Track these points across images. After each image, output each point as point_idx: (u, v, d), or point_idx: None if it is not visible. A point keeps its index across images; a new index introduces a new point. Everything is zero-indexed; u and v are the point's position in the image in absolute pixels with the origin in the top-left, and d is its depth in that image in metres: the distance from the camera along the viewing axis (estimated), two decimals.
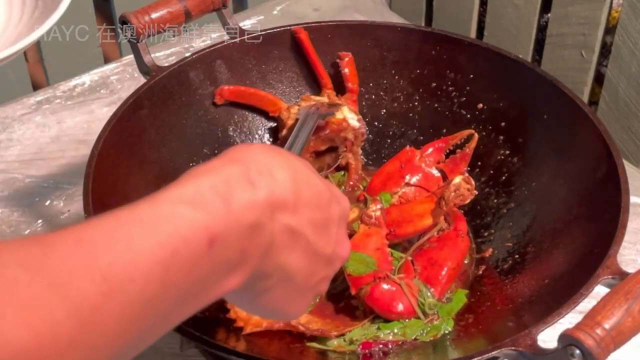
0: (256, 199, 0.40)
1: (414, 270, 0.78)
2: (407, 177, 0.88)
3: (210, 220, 0.37)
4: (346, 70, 0.93)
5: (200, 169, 0.40)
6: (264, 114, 0.94)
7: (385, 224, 0.81)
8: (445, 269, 0.78)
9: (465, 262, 0.82)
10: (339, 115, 0.88)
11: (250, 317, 0.75)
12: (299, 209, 0.43)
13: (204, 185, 0.39)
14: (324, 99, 0.91)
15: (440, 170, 0.89)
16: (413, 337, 0.74)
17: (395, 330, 0.75)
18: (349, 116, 0.89)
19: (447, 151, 0.90)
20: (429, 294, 0.75)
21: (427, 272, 0.78)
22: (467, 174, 0.85)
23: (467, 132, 0.89)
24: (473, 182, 0.81)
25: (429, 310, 0.75)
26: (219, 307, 0.76)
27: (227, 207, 0.38)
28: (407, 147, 0.90)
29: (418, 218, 0.82)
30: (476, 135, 0.88)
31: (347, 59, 0.93)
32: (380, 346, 0.74)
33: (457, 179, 0.80)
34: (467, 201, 0.81)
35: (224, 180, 0.39)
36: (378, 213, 0.80)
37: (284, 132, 0.89)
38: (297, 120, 0.84)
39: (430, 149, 0.89)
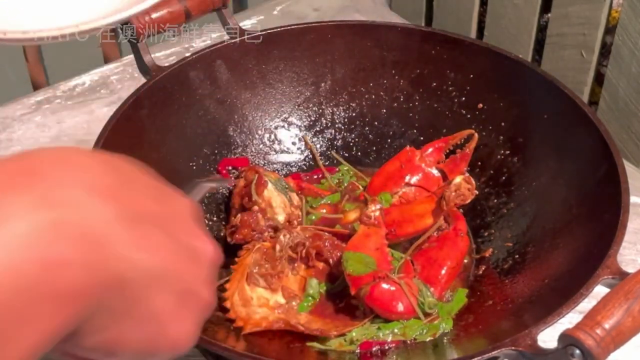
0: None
1: (414, 270, 0.78)
2: (407, 177, 0.88)
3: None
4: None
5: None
6: (265, 114, 0.94)
7: (385, 224, 0.81)
8: (445, 268, 0.78)
9: (465, 261, 0.82)
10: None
11: (250, 316, 0.75)
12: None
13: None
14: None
15: (440, 170, 0.89)
16: (412, 337, 0.74)
17: (395, 330, 0.75)
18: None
19: (447, 151, 0.90)
20: (428, 293, 0.75)
21: (426, 271, 0.78)
22: (467, 174, 0.85)
23: (467, 132, 0.89)
24: (474, 182, 0.81)
25: (429, 310, 0.75)
26: (219, 307, 0.76)
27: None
28: (407, 147, 0.90)
29: (418, 218, 0.82)
30: (476, 135, 0.88)
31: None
32: (380, 346, 0.74)
33: (458, 179, 0.81)
34: (468, 201, 0.81)
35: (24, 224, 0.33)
36: (377, 213, 0.80)
37: None
38: None
39: (430, 149, 0.89)
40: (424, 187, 0.88)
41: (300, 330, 0.74)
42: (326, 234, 0.82)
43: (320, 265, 0.80)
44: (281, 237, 0.79)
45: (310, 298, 0.78)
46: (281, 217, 0.82)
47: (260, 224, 0.81)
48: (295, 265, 0.80)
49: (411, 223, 0.82)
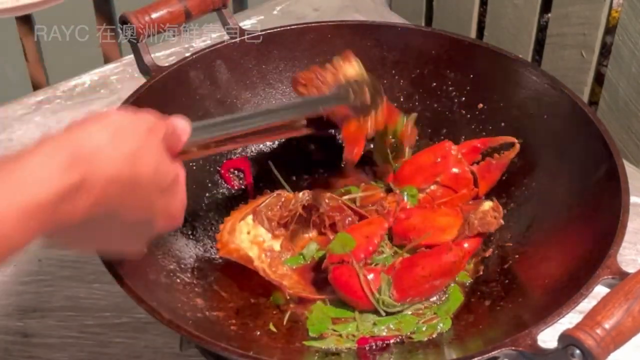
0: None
1: (393, 266, 0.77)
2: (439, 176, 0.85)
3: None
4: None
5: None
6: None
7: (405, 229, 0.81)
8: (416, 276, 0.75)
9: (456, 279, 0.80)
10: None
11: (227, 243, 0.79)
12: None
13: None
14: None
15: (473, 173, 0.86)
16: (408, 333, 0.74)
17: (391, 326, 0.75)
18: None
19: (484, 152, 0.87)
20: (387, 292, 0.75)
21: (402, 272, 0.76)
22: (496, 201, 0.81)
23: (509, 138, 0.86)
24: (501, 210, 0.79)
25: (383, 307, 0.75)
26: (217, 307, 0.76)
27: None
28: (446, 141, 0.87)
29: (439, 232, 0.80)
30: (518, 145, 0.85)
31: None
32: (378, 343, 0.74)
33: (486, 206, 0.79)
34: (492, 230, 0.79)
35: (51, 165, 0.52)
36: (391, 207, 0.82)
37: None
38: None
39: (468, 147, 0.87)
40: (453, 187, 0.85)
41: (261, 274, 0.78)
42: (350, 211, 0.83)
43: (332, 236, 0.82)
44: (300, 194, 0.83)
45: (301, 257, 0.81)
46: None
47: (325, 76, 0.82)
48: (310, 227, 0.83)
49: (431, 235, 0.80)
